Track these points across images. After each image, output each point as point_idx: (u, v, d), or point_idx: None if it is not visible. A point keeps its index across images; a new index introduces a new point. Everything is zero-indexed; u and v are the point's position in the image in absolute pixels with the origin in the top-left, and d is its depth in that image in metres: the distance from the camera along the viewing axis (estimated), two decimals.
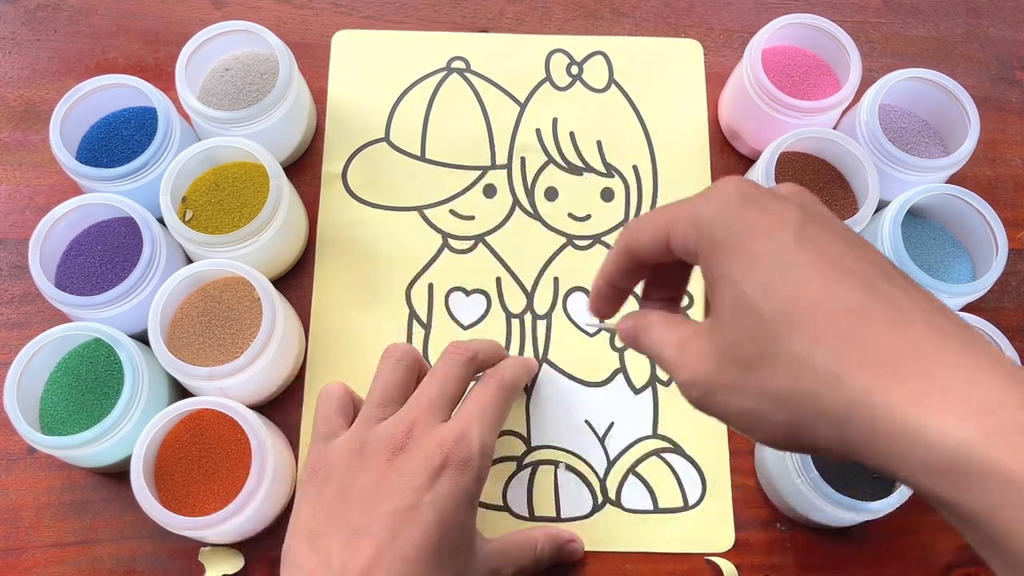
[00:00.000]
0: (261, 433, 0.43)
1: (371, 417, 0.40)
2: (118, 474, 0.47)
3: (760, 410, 0.28)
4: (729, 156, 0.56)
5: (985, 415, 0.23)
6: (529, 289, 0.52)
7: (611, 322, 0.36)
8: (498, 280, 0.53)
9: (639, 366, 0.51)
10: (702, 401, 0.30)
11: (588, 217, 0.54)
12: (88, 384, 0.45)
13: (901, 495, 0.43)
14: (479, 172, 0.55)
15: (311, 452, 0.40)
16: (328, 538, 0.37)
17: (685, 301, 0.52)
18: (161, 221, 0.48)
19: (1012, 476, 0.23)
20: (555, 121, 0.56)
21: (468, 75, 0.57)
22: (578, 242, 0.54)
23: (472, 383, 0.44)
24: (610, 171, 0.55)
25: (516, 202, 0.54)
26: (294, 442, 0.49)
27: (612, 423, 0.50)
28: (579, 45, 0.58)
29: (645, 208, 0.54)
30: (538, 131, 0.56)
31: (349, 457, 0.39)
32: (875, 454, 0.25)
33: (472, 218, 0.54)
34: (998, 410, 0.24)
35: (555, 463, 0.49)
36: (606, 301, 0.36)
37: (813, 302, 0.26)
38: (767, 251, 0.28)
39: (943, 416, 0.24)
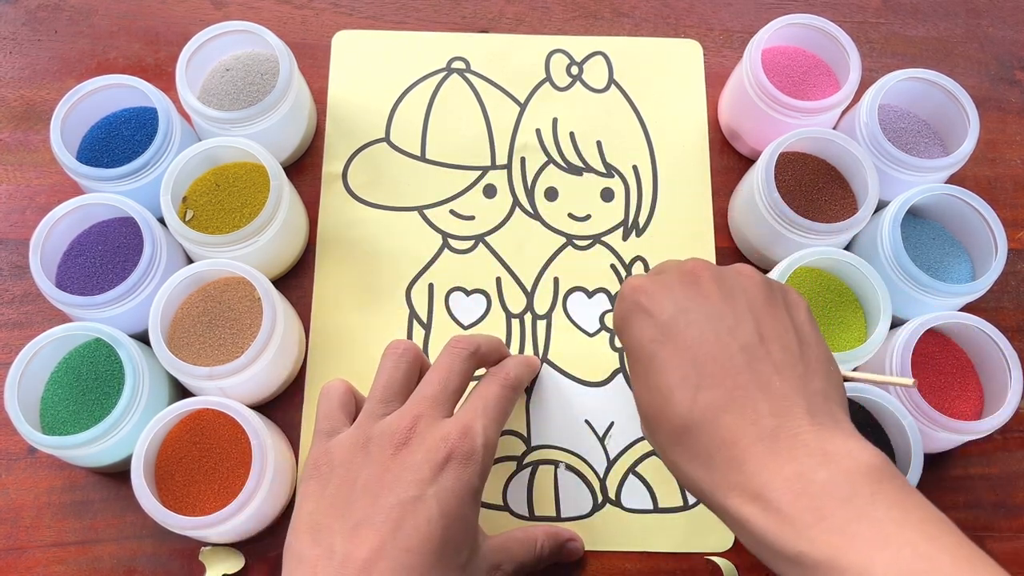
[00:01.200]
0: (261, 433, 0.43)
1: (374, 413, 0.41)
2: (118, 474, 0.47)
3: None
4: (729, 156, 0.56)
5: (754, 498, 0.32)
6: (529, 289, 0.52)
7: None
8: (498, 280, 0.53)
9: None
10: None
11: (588, 217, 0.54)
12: (89, 384, 0.45)
13: None
14: (479, 172, 0.55)
15: (313, 448, 0.40)
16: (331, 530, 0.36)
17: None
18: (161, 221, 0.48)
19: (774, 537, 0.31)
20: (555, 121, 0.56)
21: (468, 75, 0.57)
22: (578, 242, 0.54)
23: (473, 383, 0.44)
24: (610, 171, 0.55)
25: (516, 202, 0.54)
26: (294, 442, 0.49)
27: (612, 423, 0.50)
28: (579, 45, 0.58)
29: (645, 208, 0.54)
30: (538, 131, 0.56)
31: (352, 452, 0.39)
32: (719, 517, 0.34)
33: (472, 218, 0.54)
34: (764, 492, 0.31)
35: (555, 463, 0.49)
36: None
37: (659, 410, 0.35)
38: (638, 362, 0.37)
39: (736, 504, 0.32)
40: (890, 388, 0.45)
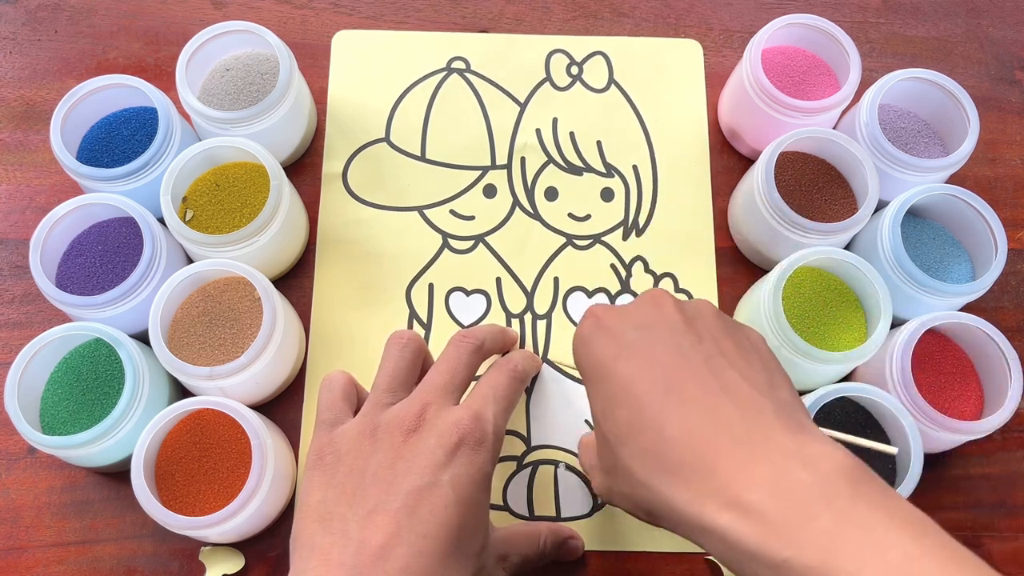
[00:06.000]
0: (261, 433, 0.43)
1: (380, 402, 0.40)
2: (118, 474, 0.47)
3: (627, 506, 0.36)
4: (729, 156, 0.56)
5: (732, 504, 0.30)
6: (529, 289, 0.52)
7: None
8: (498, 280, 0.53)
9: None
10: (607, 501, 0.38)
11: (588, 217, 0.54)
12: (89, 384, 0.45)
13: (904, 490, 0.43)
14: (479, 172, 0.55)
15: (315, 438, 0.40)
16: (343, 518, 0.36)
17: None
18: (161, 221, 0.48)
19: (753, 550, 0.30)
20: (555, 121, 0.56)
21: (468, 75, 0.57)
22: (578, 242, 0.54)
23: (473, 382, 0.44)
24: (610, 171, 0.55)
25: (516, 202, 0.54)
26: (294, 442, 0.49)
27: None
28: (579, 45, 0.58)
29: (645, 208, 0.54)
30: (538, 131, 0.56)
31: (359, 441, 0.38)
32: (691, 537, 0.32)
33: (472, 218, 0.54)
34: (742, 496, 0.30)
35: (555, 463, 0.49)
36: None
37: (628, 424, 0.34)
38: (600, 381, 0.35)
39: (711, 512, 0.31)
40: (890, 388, 0.45)
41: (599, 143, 0.56)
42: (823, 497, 0.29)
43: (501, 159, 0.55)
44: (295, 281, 0.52)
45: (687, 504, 0.32)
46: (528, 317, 0.52)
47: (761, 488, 0.30)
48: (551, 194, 0.54)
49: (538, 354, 0.51)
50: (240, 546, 0.47)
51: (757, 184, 0.48)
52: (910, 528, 0.29)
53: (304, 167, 0.55)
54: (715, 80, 0.57)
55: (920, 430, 0.44)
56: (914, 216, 0.50)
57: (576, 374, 0.51)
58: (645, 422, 0.33)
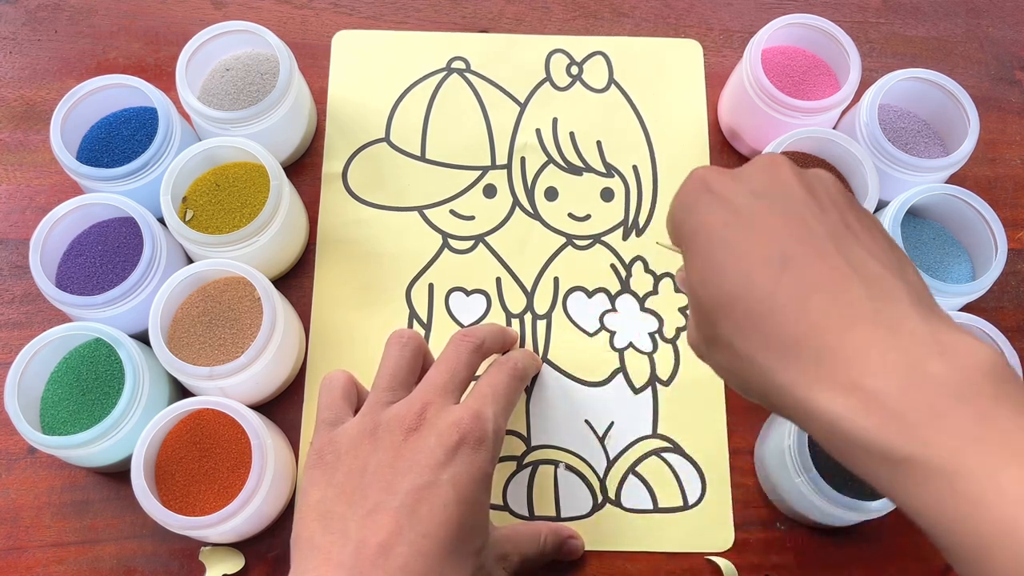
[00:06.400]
0: (261, 433, 0.43)
1: (380, 401, 0.40)
2: (118, 474, 0.47)
3: (722, 375, 0.33)
4: (729, 156, 0.56)
5: (851, 390, 0.27)
6: (529, 289, 0.52)
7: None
8: (498, 280, 0.53)
9: (639, 366, 0.51)
10: (701, 359, 0.34)
11: (588, 217, 0.54)
12: (89, 384, 0.45)
13: None
14: (479, 172, 0.55)
15: (316, 438, 0.40)
16: (343, 517, 0.36)
17: None
18: (161, 221, 0.48)
19: (873, 445, 0.26)
20: (555, 121, 0.56)
21: (468, 75, 0.57)
22: (578, 242, 0.54)
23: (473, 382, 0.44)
24: (610, 171, 0.55)
25: (516, 202, 0.54)
26: (294, 442, 0.49)
27: (612, 423, 0.50)
28: (579, 45, 0.58)
29: (645, 208, 0.54)
30: (538, 131, 0.56)
31: (359, 440, 0.39)
32: (794, 421, 0.29)
33: (472, 218, 0.54)
34: (864, 383, 0.27)
35: (555, 463, 0.49)
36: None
37: (732, 294, 0.30)
38: (704, 246, 0.32)
39: (826, 399, 0.27)
40: None
41: (599, 143, 0.56)
42: (960, 394, 0.26)
43: (501, 159, 0.55)
44: (295, 281, 0.52)
45: (796, 385, 0.28)
46: (528, 317, 0.52)
47: (888, 375, 0.27)
48: (551, 194, 0.54)
49: (538, 354, 0.51)
50: (240, 546, 0.47)
51: None
52: None
53: (304, 167, 0.55)
54: (715, 80, 0.57)
55: None
56: (914, 216, 0.50)
57: (576, 374, 0.51)
58: (754, 293, 0.30)
